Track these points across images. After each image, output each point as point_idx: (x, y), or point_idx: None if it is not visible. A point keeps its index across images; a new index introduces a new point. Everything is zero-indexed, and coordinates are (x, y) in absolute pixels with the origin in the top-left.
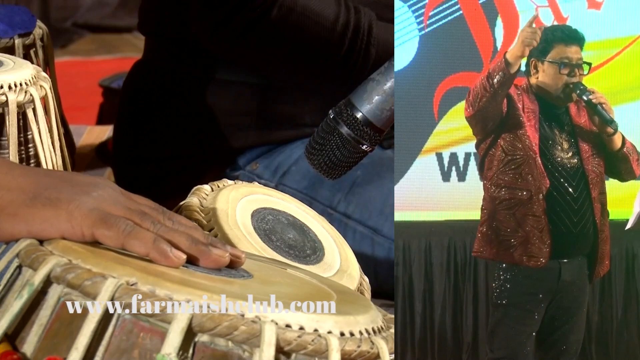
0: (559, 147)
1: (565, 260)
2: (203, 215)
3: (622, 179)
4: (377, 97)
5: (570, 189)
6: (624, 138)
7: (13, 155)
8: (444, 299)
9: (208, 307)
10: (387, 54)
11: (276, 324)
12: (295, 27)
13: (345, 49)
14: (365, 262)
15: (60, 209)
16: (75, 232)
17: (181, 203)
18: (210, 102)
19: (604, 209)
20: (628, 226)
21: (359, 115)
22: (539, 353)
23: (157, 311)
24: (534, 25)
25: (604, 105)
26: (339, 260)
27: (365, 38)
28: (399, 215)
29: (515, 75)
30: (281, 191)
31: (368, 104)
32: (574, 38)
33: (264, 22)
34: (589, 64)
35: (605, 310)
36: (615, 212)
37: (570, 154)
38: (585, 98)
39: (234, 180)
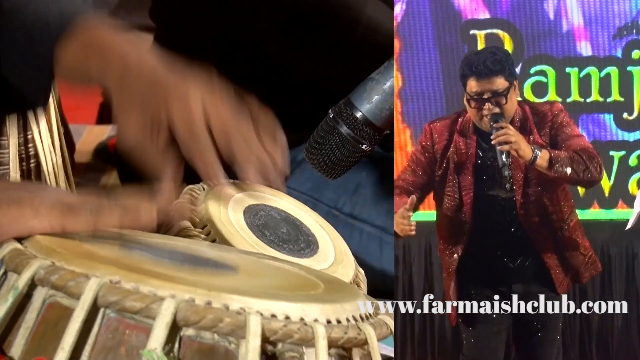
0: (496, 184)
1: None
2: (195, 213)
3: (583, 187)
4: (376, 97)
5: (504, 224)
6: (551, 157)
7: (13, 154)
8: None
9: (192, 301)
10: None
11: (261, 314)
12: (371, 44)
13: None
14: (374, 262)
15: (24, 206)
16: (44, 226)
17: (174, 202)
18: None
19: (552, 230)
20: (628, 226)
21: (358, 114)
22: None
23: (141, 307)
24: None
25: (500, 148)
26: (334, 252)
27: None
28: None
29: None
30: (285, 193)
31: (368, 104)
32: (485, 72)
33: (347, 42)
34: (505, 93)
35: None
36: (615, 212)
37: (507, 187)
38: (492, 133)
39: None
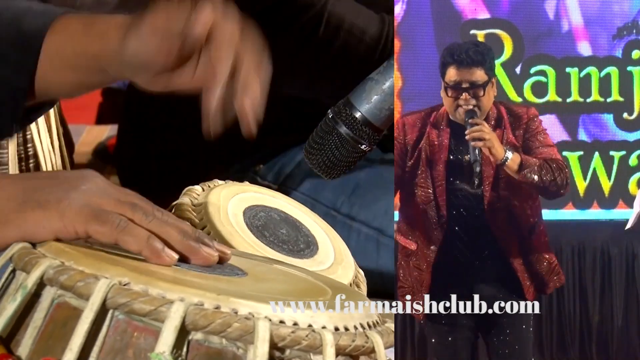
0: (466, 178)
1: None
2: (195, 214)
3: (546, 197)
4: (376, 97)
5: (471, 220)
6: (522, 162)
7: (12, 154)
8: None
9: (201, 304)
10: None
11: (270, 320)
12: (340, 46)
13: (377, 60)
14: (371, 263)
15: (51, 209)
16: (68, 231)
17: (173, 203)
18: None
19: (518, 232)
20: (628, 226)
21: (357, 115)
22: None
23: (150, 310)
24: None
25: (473, 144)
26: (333, 253)
27: (388, 49)
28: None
29: None
30: (284, 193)
31: (367, 104)
32: (466, 61)
33: (312, 41)
34: (484, 86)
35: (605, 310)
36: (615, 212)
37: (476, 183)
38: (467, 128)
39: (239, 180)
